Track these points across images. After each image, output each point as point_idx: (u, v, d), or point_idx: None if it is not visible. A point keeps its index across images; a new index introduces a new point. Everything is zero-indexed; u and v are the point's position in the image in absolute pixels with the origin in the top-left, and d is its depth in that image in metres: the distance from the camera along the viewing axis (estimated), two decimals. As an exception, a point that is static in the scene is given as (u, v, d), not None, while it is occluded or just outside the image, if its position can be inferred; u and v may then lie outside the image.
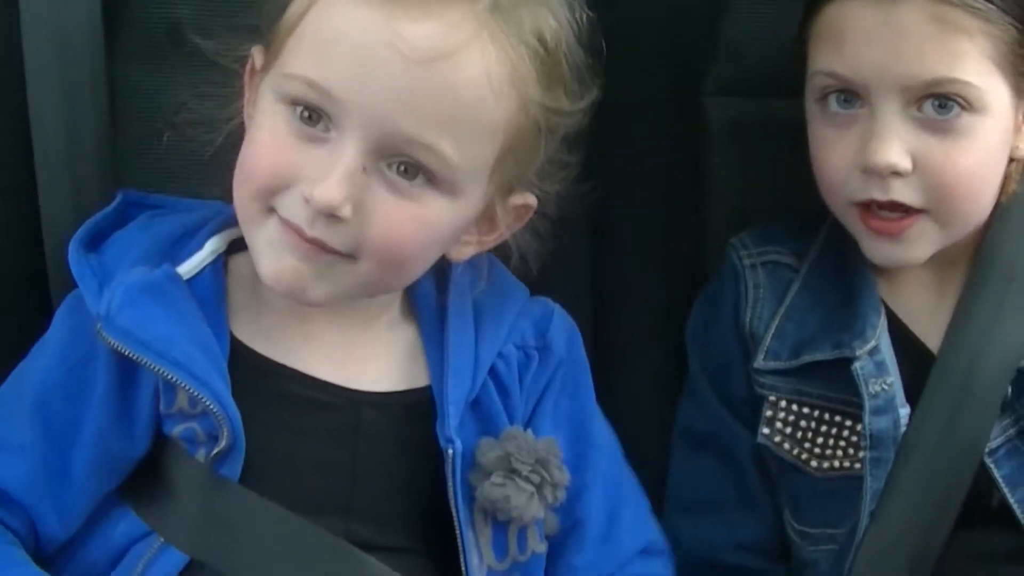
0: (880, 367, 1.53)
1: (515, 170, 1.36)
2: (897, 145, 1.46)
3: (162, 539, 1.32)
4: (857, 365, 1.53)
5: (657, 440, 1.67)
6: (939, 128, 1.47)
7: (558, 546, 1.46)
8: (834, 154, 1.51)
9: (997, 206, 1.56)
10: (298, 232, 1.28)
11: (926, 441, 1.49)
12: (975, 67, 1.46)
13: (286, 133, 1.29)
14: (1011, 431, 1.52)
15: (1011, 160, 1.54)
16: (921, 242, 1.51)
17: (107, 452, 1.33)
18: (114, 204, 1.43)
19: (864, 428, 1.52)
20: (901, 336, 1.57)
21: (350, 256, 1.29)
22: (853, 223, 1.53)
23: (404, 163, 1.28)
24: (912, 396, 1.52)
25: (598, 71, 1.39)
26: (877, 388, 1.52)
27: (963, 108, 1.46)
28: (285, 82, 1.29)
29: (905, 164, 1.46)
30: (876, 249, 1.52)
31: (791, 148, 1.61)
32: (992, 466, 1.51)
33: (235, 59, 1.39)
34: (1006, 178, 1.54)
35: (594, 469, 1.47)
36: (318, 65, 1.27)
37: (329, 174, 1.26)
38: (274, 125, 1.30)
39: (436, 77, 1.26)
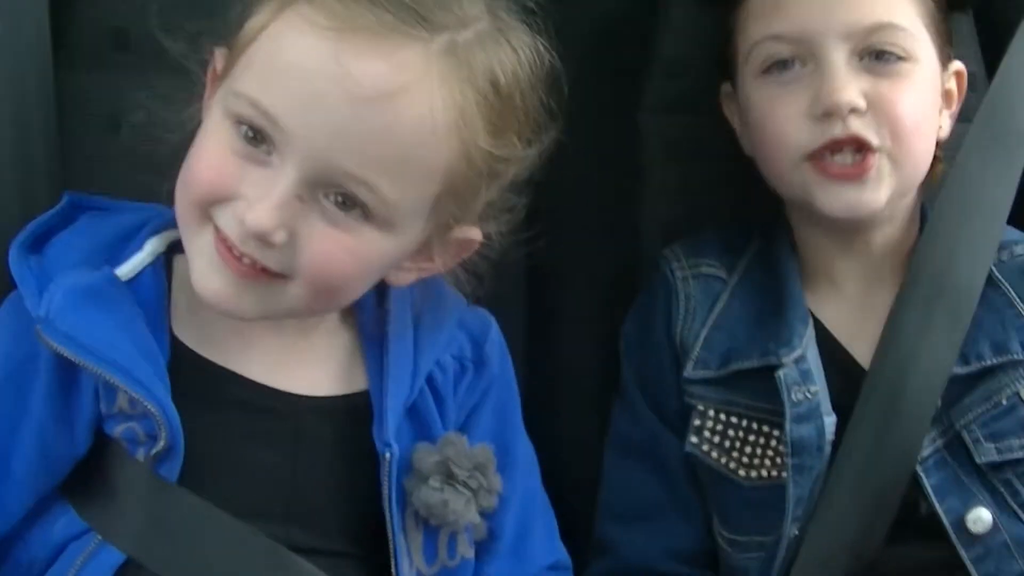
0: (805, 375, 1.55)
1: (455, 209, 1.36)
2: (852, 84, 1.52)
3: (99, 537, 1.32)
4: (781, 372, 1.55)
5: (593, 450, 1.69)
6: (882, 72, 1.54)
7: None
8: (784, 110, 1.56)
9: (923, 220, 1.62)
10: (230, 247, 1.28)
11: (858, 451, 1.51)
12: (908, 18, 1.56)
13: (229, 149, 1.29)
14: (939, 441, 1.55)
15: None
16: (880, 184, 1.54)
17: (47, 451, 1.33)
18: (58, 206, 1.43)
19: (786, 435, 1.54)
20: (829, 347, 1.60)
21: (282, 276, 1.30)
22: (808, 178, 1.55)
23: (341, 195, 1.28)
24: (839, 406, 1.54)
25: (557, 113, 1.39)
26: (800, 396, 1.54)
27: (900, 58, 1.55)
28: (233, 99, 1.29)
29: (860, 101, 1.52)
30: (837, 197, 1.55)
31: (724, 165, 1.67)
32: (922, 475, 1.53)
33: (197, 62, 1.39)
34: (937, 144, 1.61)
35: (512, 484, 1.48)
36: (265, 89, 1.27)
37: (264, 198, 1.26)
38: (219, 139, 1.30)
39: (379, 116, 1.26)
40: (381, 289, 1.45)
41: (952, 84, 1.64)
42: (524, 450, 1.53)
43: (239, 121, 1.29)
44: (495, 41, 1.33)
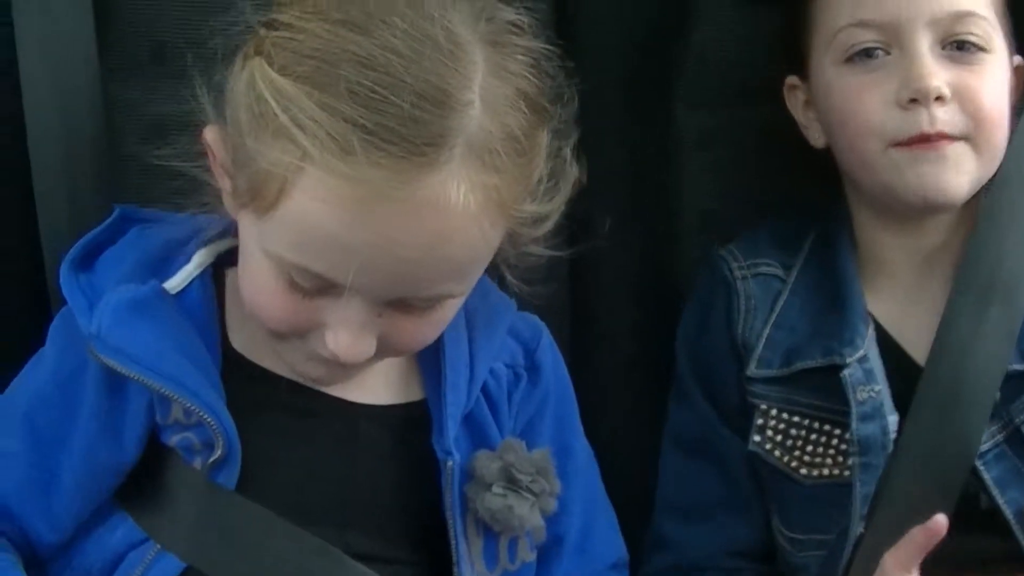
0: (868, 375, 1.56)
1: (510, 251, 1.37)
2: (939, 72, 1.53)
3: (159, 545, 1.33)
4: (846, 372, 1.56)
5: (637, 451, 1.71)
6: (964, 61, 1.55)
7: (537, 557, 1.48)
8: (871, 95, 1.56)
9: (973, 210, 1.61)
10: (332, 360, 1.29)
11: (917, 448, 1.51)
12: (986, 8, 1.57)
13: (286, 289, 1.27)
14: (999, 436, 1.55)
15: None
16: (961, 166, 1.54)
17: (95, 463, 1.35)
18: (109, 220, 1.44)
19: (852, 433, 1.54)
20: (887, 346, 1.60)
21: (379, 354, 1.31)
22: (895, 160, 1.55)
23: (407, 306, 1.29)
24: (900, 404, 1.54)
25: (578, 156, 1.37)
26: (865, 395, 1.55)
27: (980, 49, 1.56)
28: (275, 257, 1.26)
29: (945, 89, 1.53)
30: (923, 175, 1.54)
31: (759, 155, 1.70)
32: (982, 469, 1.53)
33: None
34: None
35: (573, 485, 1.49)
36: (311, 257, 1.24)
37: (345, 324, 1.26)
38: (269, 277, 1.28)
39: (433, 259, 1.24)
40: None
41: (1014, 78, 1.64)
42: (584, 451, 1.54)
43: (287, 273, 1.26)
44: (502, 90, 1.27)
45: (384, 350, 1.31)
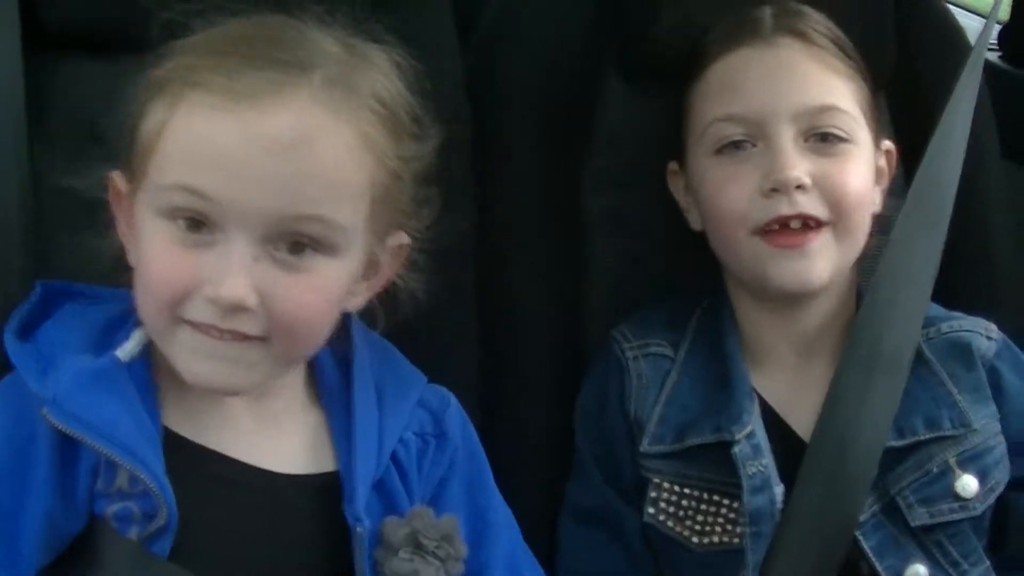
0: (756, 450, 1.63)
1: (386, 216, 1.45)
2: (800, 163, 1.61)
3: None
4: (736, 449, 1.63)
5: (545, 516, 1.75)
6: (826, 152, 1.65)
7: None
8: (736, 186, 1.65)
9: (858, 296, 1.70)
10: (211, 330, 1.36)
11: (802, 517, 1.55)
12: (848, 101, 1.66)
13: (174, 245, 1.36)
14: (876, 507, 1.63)
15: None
16: (822, 256, 1.63)
17: (52, 530, 1.37)
18: (37, 295, 1.48)
19: (743, 506, 1.61)
20: (772, 422, 1.68)
21: (262, 339, 1.37)
22: (760, 250, 1.64)
23: (290, 242, 1.37)
24: (784, 476, 1.61)
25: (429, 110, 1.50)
26: (754, 469, 1.62)
27: (841, 140, 1.66)
28: (161, 195, 1.37)
29: (806, 179, 1.61)
30: (783, 270, 1.63)
31: (666, 232, 1.77)
32: (861, 538, 1.61)
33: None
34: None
35: (492, 548, 1.54)
36: (190, 171, 1.35)
37: (227, 272, 1.34)
38: (160, 240, 1.37)
39: (301, 160, 1.36)
40: (345, 369, 1.52)
41: (883, 161, 1.74)
42: (501, 513, 1.58)
43: (174, 214, 1.36)
44: (362, 65, 1.44)
45: (265, 323, 1.36)
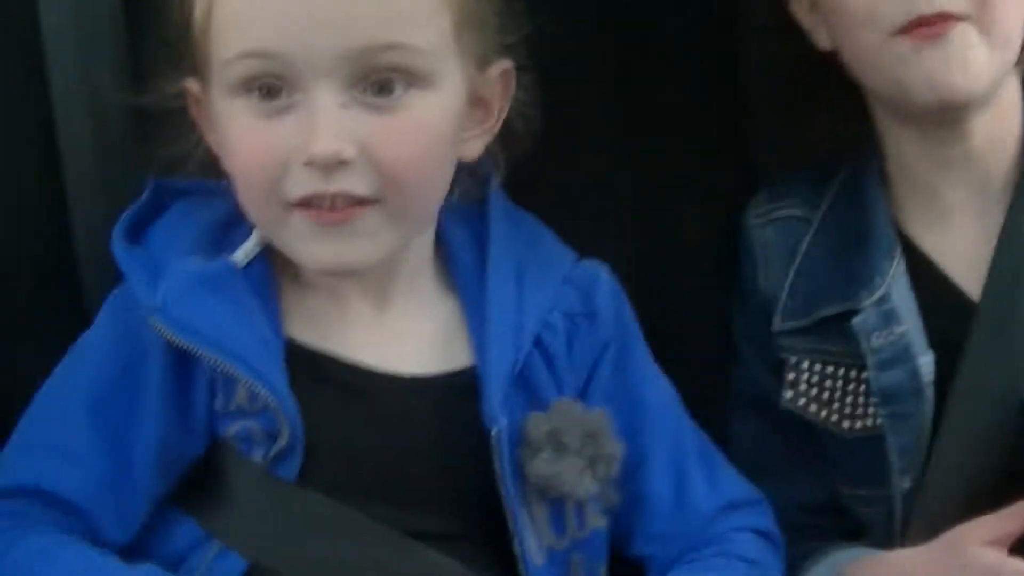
0: (887, 317, 1.50)
1: (477, 37, 1.34)
2: None
3: (220, 544, 1.31)
4: (858, 319, 1.50)
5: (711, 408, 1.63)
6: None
7: (628, 521, 1.44)
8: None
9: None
10: (321, 200, 1.27)
11: (966, 389, 1.44)
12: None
13: (254, 120, 1.28)
14: None
15: None
16: (968, 51, 1.45)
17: (167, 454, 1.31)
18: (147, 193, 1.40)
19: (872, 384, 1.49)
20: (931, 280, 1.53)
21: (376, 201, 1.28)
22: (898, 53, 1.46)
23: (376, 82, 1.27)
24: (946, 343, 1.48)
25: None
26: (881, 341, 1.49)
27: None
28: (227, 71, 1.28)
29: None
30: (927, 72, 1.45)
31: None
32: None
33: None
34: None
35: (653, 437, 1.44)
36: (248, 35, 1.26)
37: (316, 127, 1.25)
38: (239, 121, 1.29)
39: None
40: (483, 250, 1.42)
41: None
42: (660, 397, 1.48)
43: (247, 86, 1.27)
44: None
45: (372, 180, 1.27)
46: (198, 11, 1.30)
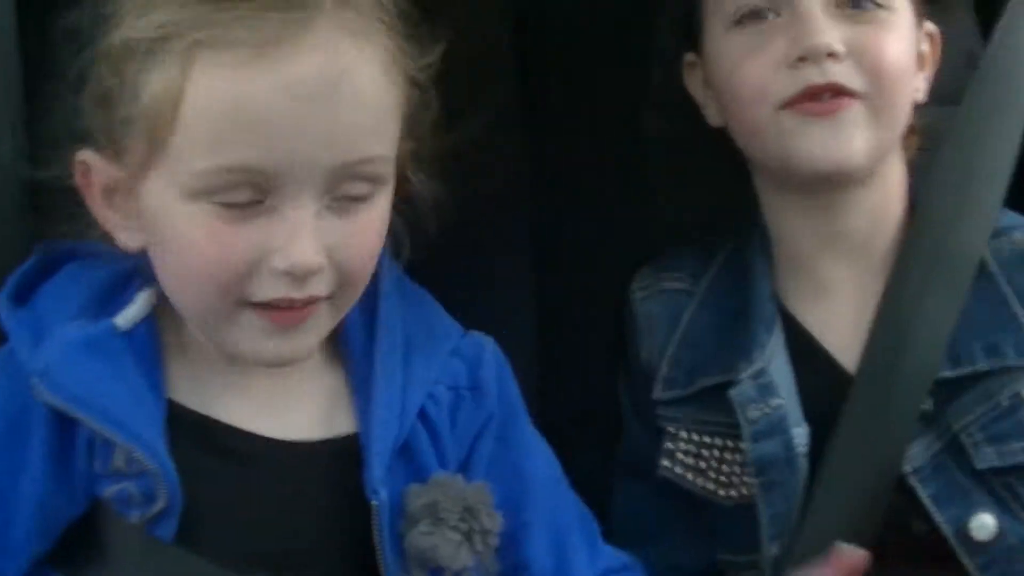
0: (764, 389, 1.51)
1: (407, 129, 1.36)
2: (830, 29, 1.48)
3: None
4: (735, 391, 1.51)
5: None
6: (860, 19, 1.49)
7: None
8: (760, 60, 1.50)
9: (911, 204, 1.56)
10: (288, 305, 1.28)
11: (840, 459, 1.46)
12: None
13: (220, 224, 1.25)
14: (936, 446, 1.49)
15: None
16: (857, 129, 1.47)
17: (48, 514, 1.31)
18: (35, 255, 1.40)
19: (747, 454, 1.50)
20: (807, 353, 1.55)
21: (328, 297, 1.30)
22: (786, 126, 1.49)
23: (347, 189, 1.28)
24: (817, 414, 1.49)
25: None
26: (757, 413, 1.50)
27: (878, 6, 1.50)
28: (196, 179, 1.25)
29: (838, 45, 1.46)
30: (812, 142, 1.48)
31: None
32: (917, 487, 1.47)
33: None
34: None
35: (534, 509, 1.45)
36: (230, 150, 1.23)
37: (295, 237, 1.25)
38: (199, 224, 1.26)
39: (345, 99, 1.25)
40: (370, 321, 1.42)
41: (926, 46, 1.59)
42: (540, 469, 1.48)
43: (216, 196, 1.25)
44: None
45: (335, 269, 1.29)
46: (152, 99, 1.26)
